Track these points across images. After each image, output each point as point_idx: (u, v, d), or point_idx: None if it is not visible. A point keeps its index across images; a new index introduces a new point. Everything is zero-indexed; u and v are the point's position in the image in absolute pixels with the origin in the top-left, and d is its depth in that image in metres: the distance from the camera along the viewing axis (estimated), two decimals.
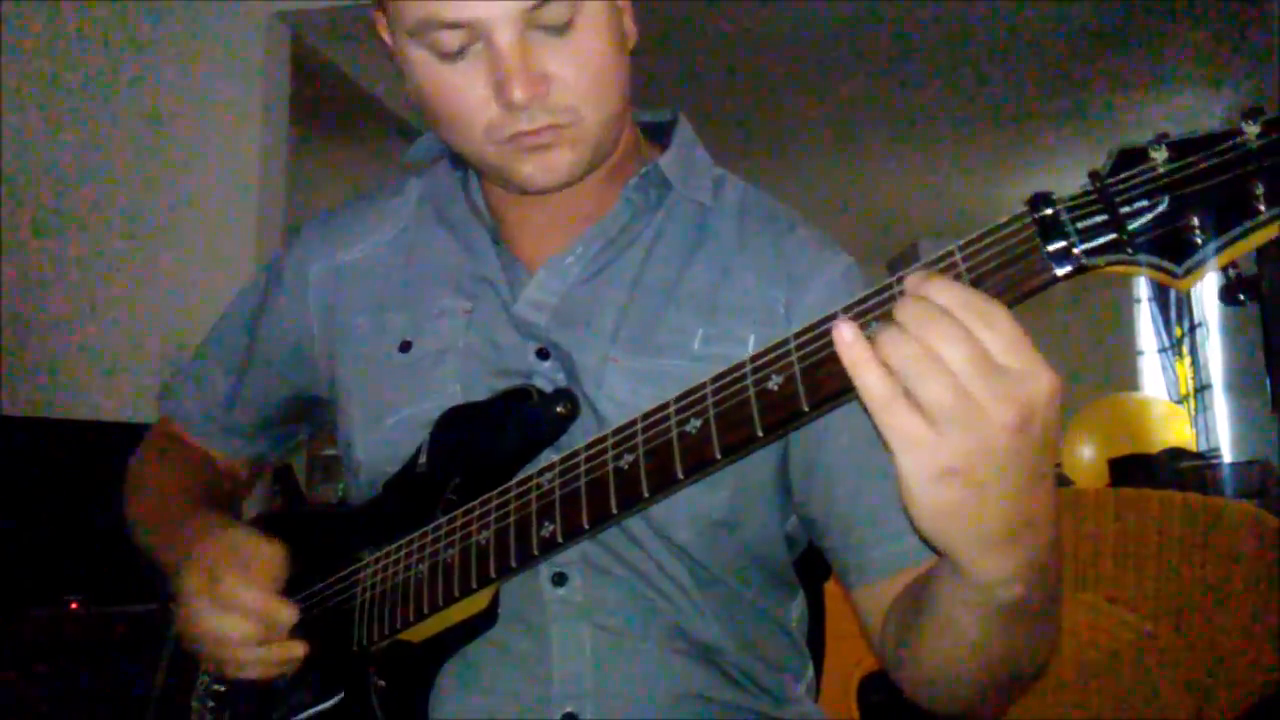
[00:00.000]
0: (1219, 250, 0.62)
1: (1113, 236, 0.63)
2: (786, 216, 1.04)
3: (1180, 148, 0.63)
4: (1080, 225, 0.64)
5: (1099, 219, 0.64)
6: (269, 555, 0.93)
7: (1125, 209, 0.63)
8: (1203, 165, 0.62)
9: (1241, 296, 0.68)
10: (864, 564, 0.92)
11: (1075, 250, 0.64)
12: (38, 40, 3.67)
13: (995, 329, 0.60)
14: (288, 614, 0.91)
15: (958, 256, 0.67)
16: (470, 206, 1.04)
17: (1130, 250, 0.63)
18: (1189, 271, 0.62)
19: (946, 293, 0.61)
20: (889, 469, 0.88)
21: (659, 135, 1.07)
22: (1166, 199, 0.62)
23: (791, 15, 4.34)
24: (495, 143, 0.89)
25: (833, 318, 0.69)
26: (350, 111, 4.78)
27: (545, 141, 0.89)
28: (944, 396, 0.59)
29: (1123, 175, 0.64)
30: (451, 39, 0.85)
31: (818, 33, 4.56)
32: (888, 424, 0.62)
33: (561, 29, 0.85)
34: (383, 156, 5.00)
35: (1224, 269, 0.63)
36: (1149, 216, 0.63)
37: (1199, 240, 0.62)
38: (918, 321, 0.61)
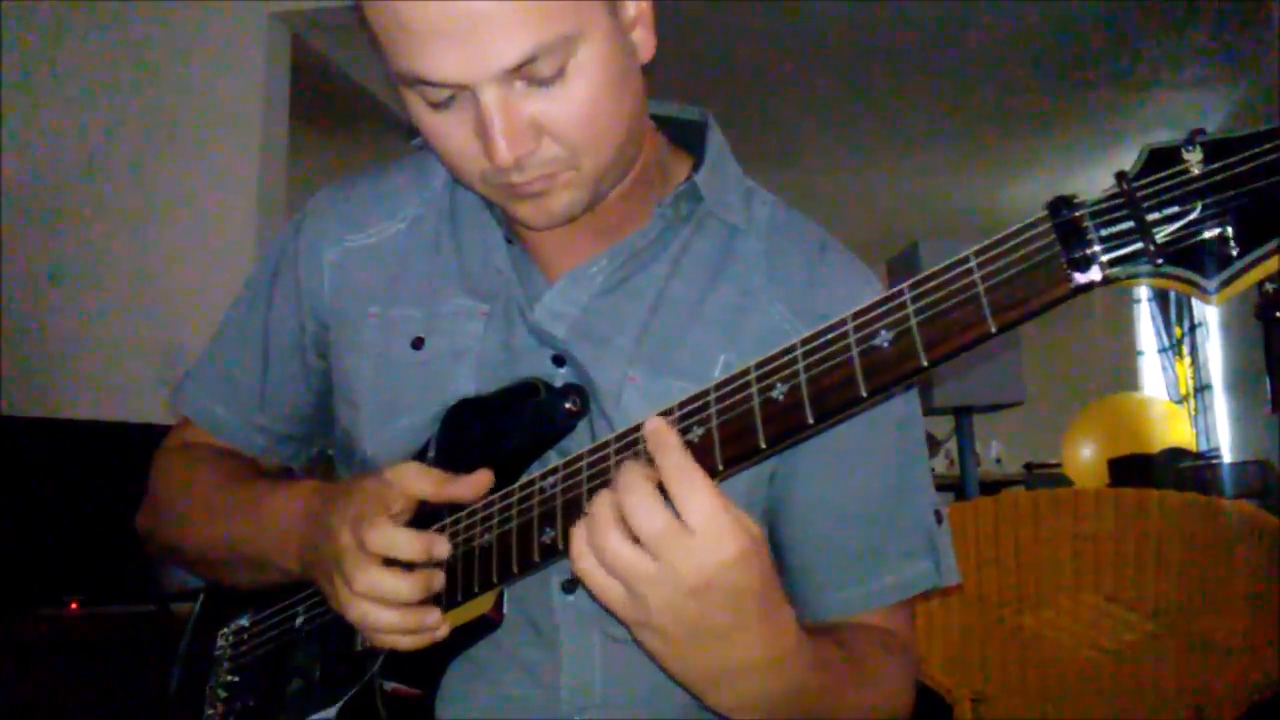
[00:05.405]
0: (1256, 264, 0.57)
1: (1139, 246, 0.59)
2: (816, 237, 1.01)
3: (1216, 148, 0.58)
4: (1104, 232, 0.60)
5: (1124, 225, 0.59)
6: (405, 482, 0.86)
7: (1153, 215, 0.59)
8: (1241, 169, 0.57)
9: None
10: (824, 604, 0.95)
11: (1099, 260, 0.60)
12: (38, 40, 3.67)
13: (690, 500, 0.67)
14: (443, 545, 0.85)
15: (973, 263, 0.64)
16: (484, 203, 1.00)
17: (1159, 261, 0.59)
18: (1222, 287, 0.58)
19: (657, 459, 0.68)
20: (868, 515, 0.94)
21: (683, 135, 1.03)
22: (1199, 205, 0.58)
23: (792, 15, 4.34)
24: (489, 185, 0.87)
25: (842, 324, 0.69)
26: (350, 111, 4.78)
27: (539, 189, 0.85)
28: (631, 563, 0.68)
29: (1152, 178, 0.59)
30: (437, 92, 0.82)
31: (818, 32, 4.56)
32: (591, 585, 0.70)
33: (551, 80, 0.80)
34: (383, 157, 4.99)
35: (1261, 284, 0.58)
36: (1179, 225, 0.58)
37: (1234, 252, 0.57)
38: (620, 487, 0.68)
